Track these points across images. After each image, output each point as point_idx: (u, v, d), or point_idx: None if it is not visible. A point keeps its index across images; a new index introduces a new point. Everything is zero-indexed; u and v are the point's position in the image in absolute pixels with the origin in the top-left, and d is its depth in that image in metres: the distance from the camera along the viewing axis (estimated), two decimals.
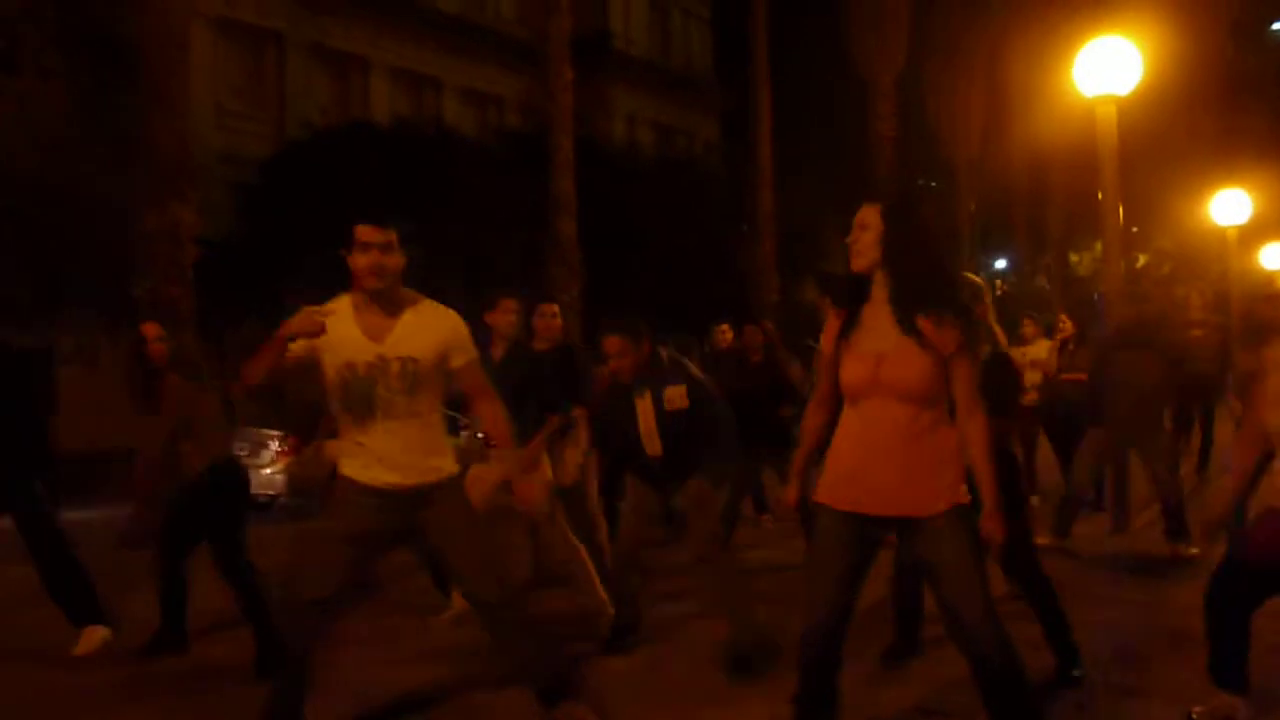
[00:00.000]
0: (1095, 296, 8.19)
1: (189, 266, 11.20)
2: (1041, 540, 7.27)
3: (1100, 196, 8.03)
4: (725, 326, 9.42)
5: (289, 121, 25.40)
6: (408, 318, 3.94)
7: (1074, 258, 36.22)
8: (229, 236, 18.78)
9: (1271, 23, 35.40)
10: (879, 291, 3.45)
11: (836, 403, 3.58)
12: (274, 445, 14.05)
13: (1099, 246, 7.93)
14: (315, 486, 5.64)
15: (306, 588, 3.83)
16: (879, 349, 3.39)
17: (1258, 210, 18.03)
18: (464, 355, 4.02)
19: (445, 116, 27.31)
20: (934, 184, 36.54)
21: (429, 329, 3.97)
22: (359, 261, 3.86)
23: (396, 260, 3.91)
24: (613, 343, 5.01)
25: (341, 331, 3.87)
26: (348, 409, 3.90)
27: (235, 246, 18.55)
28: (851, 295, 3.51)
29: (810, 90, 32.40)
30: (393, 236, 3.91)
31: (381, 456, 3.89)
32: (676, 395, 5.06)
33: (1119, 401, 7.29)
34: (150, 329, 5.35)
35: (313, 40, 27.27)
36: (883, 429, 3.36)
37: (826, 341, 3.58)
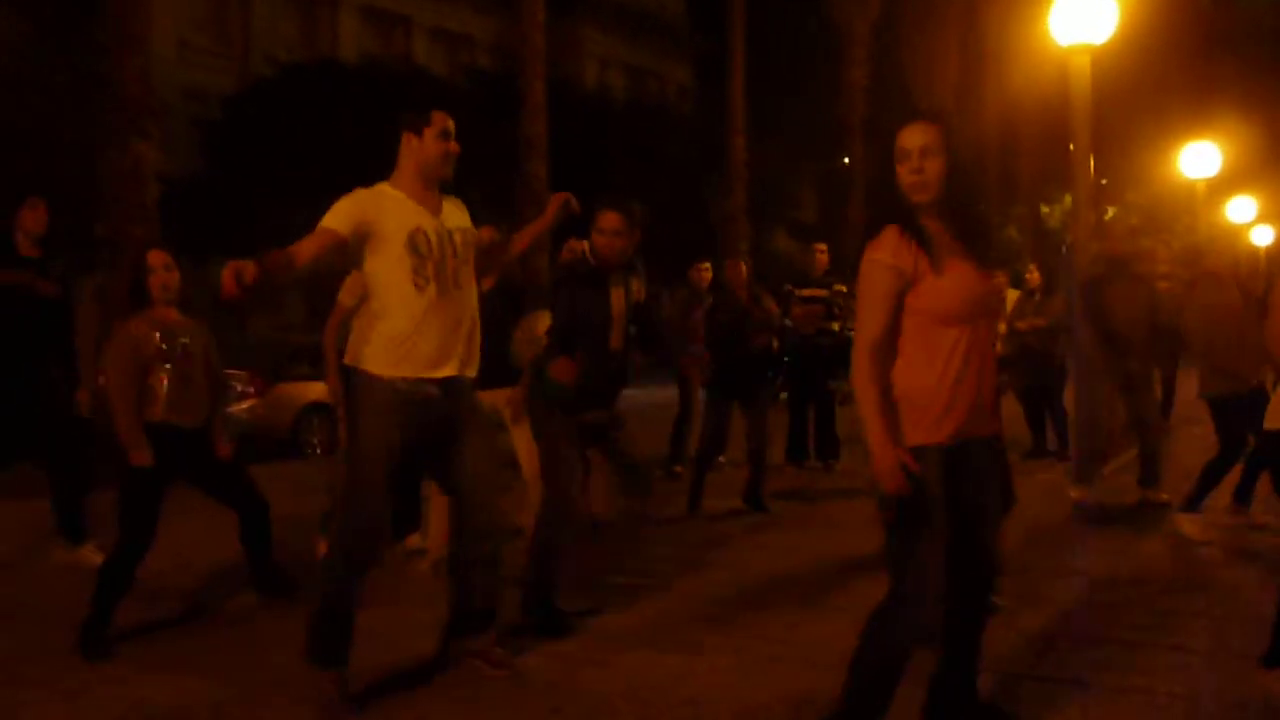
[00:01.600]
0: (1063, 248, 8.23)
1: (153, 205, 11.06)
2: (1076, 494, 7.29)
3: (1072, 148, 8.02)
4: (705, 264, 9.42)
5: (254, 58, 25.04)
6: (445, 202, 3.95)
7: (1044, 209, 36.36)
8: (193, 173, 18.54)
9: None
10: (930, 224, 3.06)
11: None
12: (238, 386, 13.96)
13: (1069, 199, 7.93)
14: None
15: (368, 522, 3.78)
16: (970, 270, 3.05)
17: (1227, 163, 18.11)
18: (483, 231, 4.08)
19: (415, 56, 26.99)
20: None
21: (461, 210, 4.02)
22: (441, 147, 3.81)
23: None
24: (611, 218, 4.81)
25: (398, 203, 3.80)
26: (423, 276, 3.75)
27: (199, 183, 18.31)
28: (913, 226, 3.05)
29: (784, 36, 32.16)
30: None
31: (440, 339, 3.79)
32: (639, 287, 5.03)
33: (1122, 332, 7.26)
34: (157, 256, 4.88)
35: None
36: (987, 350, 3.09)
37: (898, 259, 3.00)
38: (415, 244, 3.75)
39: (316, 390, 6.50)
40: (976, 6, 29.28)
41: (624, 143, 22.50)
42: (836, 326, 9.52)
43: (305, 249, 3.57)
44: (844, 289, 9.54)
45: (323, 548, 5.55)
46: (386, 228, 3.74)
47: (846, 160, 27.97)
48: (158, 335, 4.69)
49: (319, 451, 10.82)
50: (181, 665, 4.34)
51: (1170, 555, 6.07)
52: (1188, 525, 6.50)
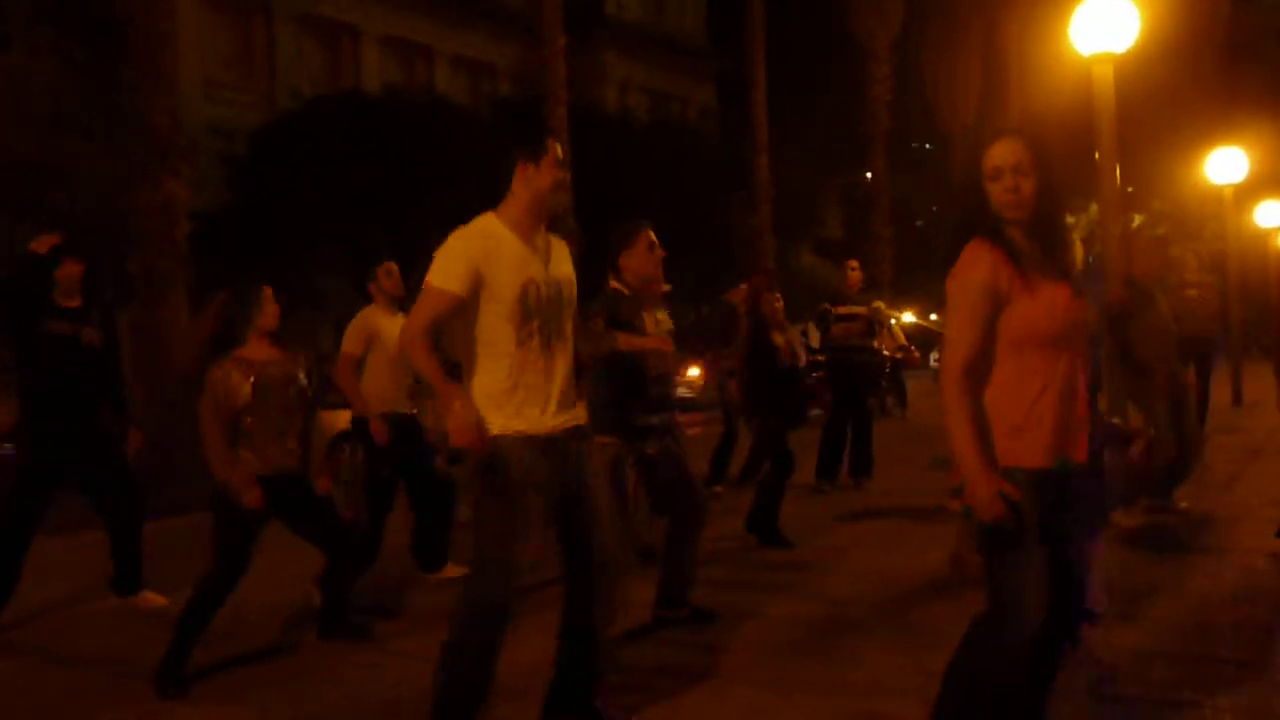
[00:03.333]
0: (1089, 259, 8.24)
1: (182, 240, 11.18)
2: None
3: (1096, 157, 7.99)
4: (744, 288, 9.46)
5: (279, 92, 25.29)
6: (552, 242, 3.69)
7: (1070, 219, 36.17)
8: (220, 208, 18.72)
9: None
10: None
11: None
12: None
13: (1094, 208, 7.90)
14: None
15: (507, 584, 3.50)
16: (1063, 289, 2.96)
17: (1254, 168, 17.95)
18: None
19: (437, 85, 27.19)
20: (928, 147, 36.42)
21: (565, 254, 3.74)
22: (554, 177, 3.55)
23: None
24: (649, 234, 4.96)
25: (512, 248, 3.52)
26: (530, 333, 3.50)
27: (226, 218, 18.49)
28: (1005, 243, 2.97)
29: (806, 54, 32.22)
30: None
31: (555, 393, 3.56)
32: (665, 317, 5.11)
33: (1167, 345, 7.16)
34: (270, 291, 4.81)
35: (302, 10, 27.11)
36: (1080, 371, 2.98)
37: (994, 277, 2.90)
38: (526, 298, 3.49)
39: (347, 419, 6.52)
40: (998, 19, 29.20)
41: (648, 165, 22.54)
42: (876, 343, 9.53)
43: (421, 334, 3.41)
44: (881, 305, 9.55)
45: (317, 598, 5.54)
46: (500, 278, 3.47)
47: (869, 175, 27.93)
48: (250, 380, 4.63)
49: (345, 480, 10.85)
50: (236, 707, 4.37)
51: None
52: None
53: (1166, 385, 7.12)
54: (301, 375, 4.90)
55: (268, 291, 4.80)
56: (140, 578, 5.95)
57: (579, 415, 3.70)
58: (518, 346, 3.50)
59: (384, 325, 6.21)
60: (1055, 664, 3.12)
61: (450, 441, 3.41)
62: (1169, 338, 7.32)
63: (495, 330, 3.50)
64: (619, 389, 4.91)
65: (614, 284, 5.02)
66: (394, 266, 6.36)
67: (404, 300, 6.33)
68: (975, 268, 2.94)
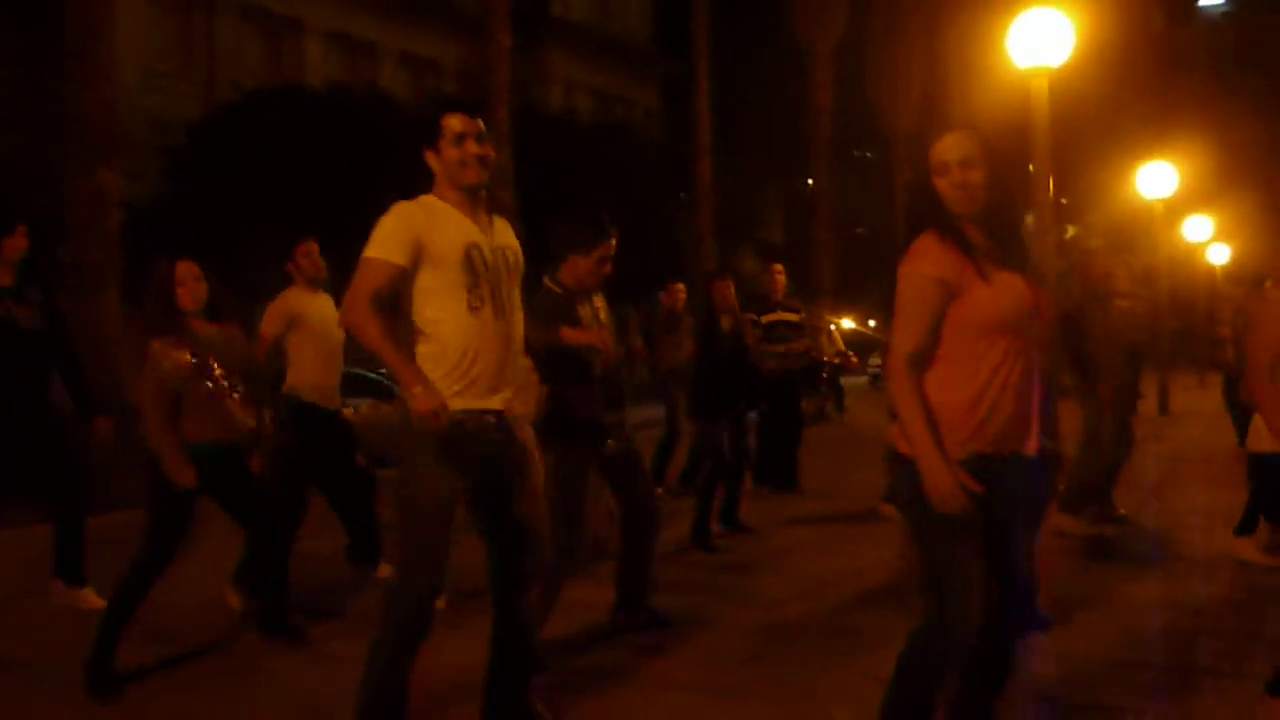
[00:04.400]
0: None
1: (115, 230, 11.01)
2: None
3: (1032, 168, 8.12)
4: (679, 285, 9.42)
5: (220, 85, 24.93)
6: (494, 218, 3.66)
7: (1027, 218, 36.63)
8: (156, 200, 18.43)
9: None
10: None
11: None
12: None
13: (1030, 218, 8.02)
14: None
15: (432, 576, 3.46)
16: (1018, 279, 2.96)
17: (1184, 183, 18.38)
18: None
19: (381, 82, 26.94)
20: (869, 154, 36.79)
21: (508, 230, 3.71)
22: (455, 153, 3.48)
23: (491, 150, 3.61)
24: (612, 247, 4.86)
25: (449, 215, 3.49)
26: (481, 299, 3.45)
27: (163, 210, 18.20)
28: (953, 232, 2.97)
29: (750, 59, 32.41)
30: (482, 125, 3.56)
31: (505, 365, 3.50)
32: (602, 305, 5.07)
33: (1098, 357, 7.21)
34: (186, 268, 4.68)
35: (244, 2, 26.74)
36: (1033, 362, 2.97)
37: (942, 269, 2.92)
38: (471, 261, 3.45)
39: None
40: (939, 29, 29.58)
41: (591, 165, 22.55)
42: (802, 347, 9.52)
43: (366, 306, 3.33)
44: (801, 311, 9.58)
45: (234, 600, 5.45)
46: (441, 244, 3.43)
47: (811, 181, 28.15)
48: (189, 354, 4.55)
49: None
50: (157, 707, 4.31)
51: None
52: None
53: (1112, 393, 7.21)
54: (238, 337, 4.84)
55: (182, 268, 4.69)
56: (83, 571, 5.75)
57: (522, 397, 3.66)
58: (469, 312, 3.43)
59: (305, 306, 6.06)
60: (1005, 668, 3.12)
61: (412, 423, 3.31)
62: (1119, 346, 7.42)
63: (443, 298, 3.43)
64: (566, 387, 4.82)
65: (547, 282, 4.93)
66: (313, 246, 6.18)
67: (323, 281, 6.24)
68: (923, 259, 2.95)
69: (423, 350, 3.45)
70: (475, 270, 3.45)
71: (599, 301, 5.03)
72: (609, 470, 5.05)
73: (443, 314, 3.43)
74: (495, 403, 3.48)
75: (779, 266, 9.63)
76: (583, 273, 4.87)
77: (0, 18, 15.88)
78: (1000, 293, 2.92)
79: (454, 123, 3.51)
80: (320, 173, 18.44)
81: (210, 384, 4.61)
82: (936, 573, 3.00)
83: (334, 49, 29.42)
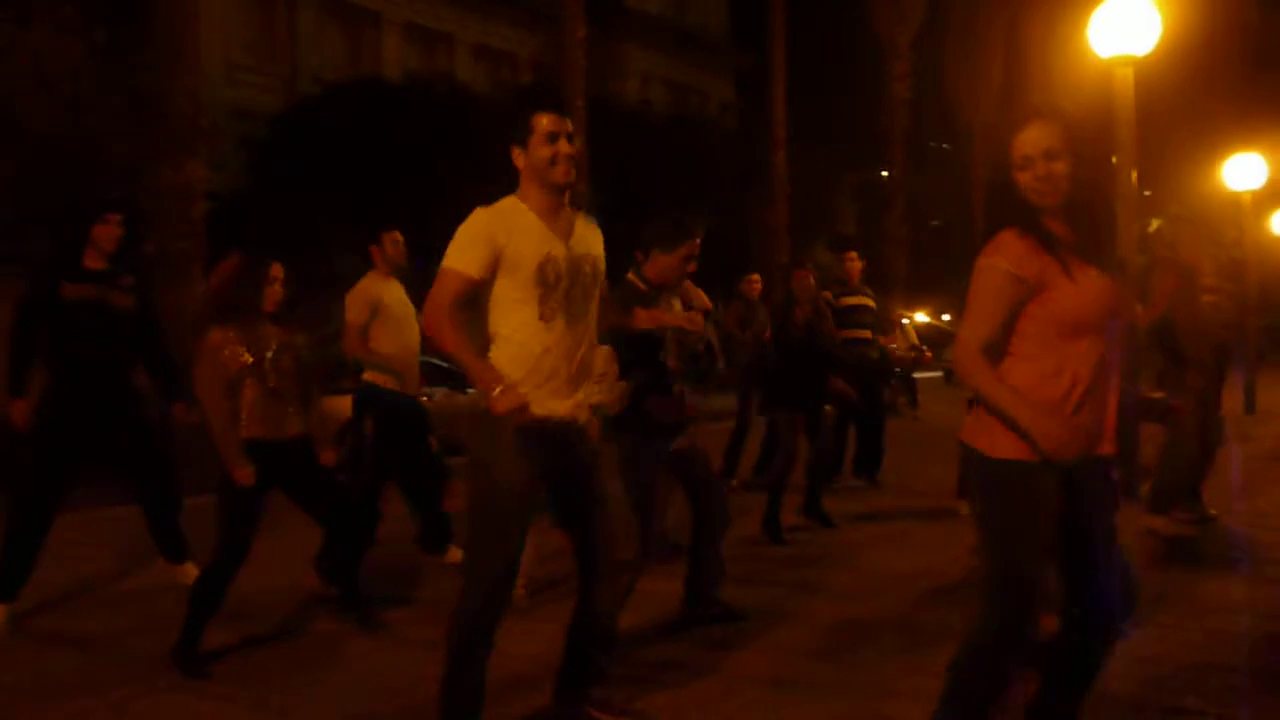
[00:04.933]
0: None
1: (200, 221, 11.24)
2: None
3: (1115, 160, 7.96)
4: (755, 276, 9.36)
5: (300, 77, 25.33)
6: (577, 220, 3.63)
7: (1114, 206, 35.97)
8: (238, 191, 18.78)
9: None
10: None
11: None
12: None
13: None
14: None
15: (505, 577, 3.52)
16: (1097, 275, 2.91)
17: (1273, 175, 17.86)
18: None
19: (458, 73, 27.18)
20: (945, 146, 36.31)
21: (595, 235, 3.69)
22: (546, 151, 3.48)
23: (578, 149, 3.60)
24: (695, 246, 4.82)
25: (528, 224, 3.48)
26: (553, 310, 3.47)
27: (244, 200, 18.55)
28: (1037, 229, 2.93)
29: (826, 51, 32.17)
30: (570, 125, 3.57)
31: (573, 375, 3.52)
32: (699, 295, 5.07)
33: (1205, 342, 7.02)
34: (279, 268, 4.77)
35: None
36: (1113, 362, 2.92)
37: (1020, 266, 2.88)
38: (544, 273, 3.45)
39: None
40: (1019, 18, 29.11)
41: (665, 158, 22.54)
42: (883, 339, 9.43)
43: (444, 315, 3.37)
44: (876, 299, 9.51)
45: (314, 584, 5.54)
46: (517, 253, 3.44)
47: (886, 174, 27.86)
48: (245, 351, 4.62)
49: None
50: (239, 689, 4.40)
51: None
52: None
53: (1200, 381, 7.02)
54: (301, 343, 4.88)
55: (276, 268, 4.77)
56: (184, 548, 5.89)
57: (591, 398, 3.66)
58: (539, 322, 3.46)
59: (385, 293, 6.19)
60: (1092, 671, 3.07)
61: (492, 420, 3.35)
62: (1208, 334, 7.21)
63: (517, 306, 3.46)
64: (641, 381, 4.81)
65: (631, 277, 4.96)
66: (400, 235, 6.36)
67: (404, 270, 6.35)
68: (1002, 254, 2.91)
69: (495, 356, 3.49)
70: (547, 283, 3.46)
71: (694, 293, 5.01)
72: (676, 464, 5.06)
73: (515, 322, 3.47)
74: (564, 410, 3.51)
75: (853, 253, 9.54)
76: (665, 269, 4.87)
77: (87, 10, 16.24)
78: (1084, 290, 2.88)
79: (545, 121, 3.49)
80: (398, 164, 18.65)
81: (262, 383, 4.65)
82: (1001, 571, 2.95)
83: (412, 41, 29.73)
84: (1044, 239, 2.91)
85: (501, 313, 3.49)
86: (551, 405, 3.48)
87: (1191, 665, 4.35)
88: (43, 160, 14.81)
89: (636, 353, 4.67)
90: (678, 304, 5.05)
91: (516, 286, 3.45)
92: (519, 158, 3.54)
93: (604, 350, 4.16)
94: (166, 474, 5.87)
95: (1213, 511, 7.27)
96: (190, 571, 5.71)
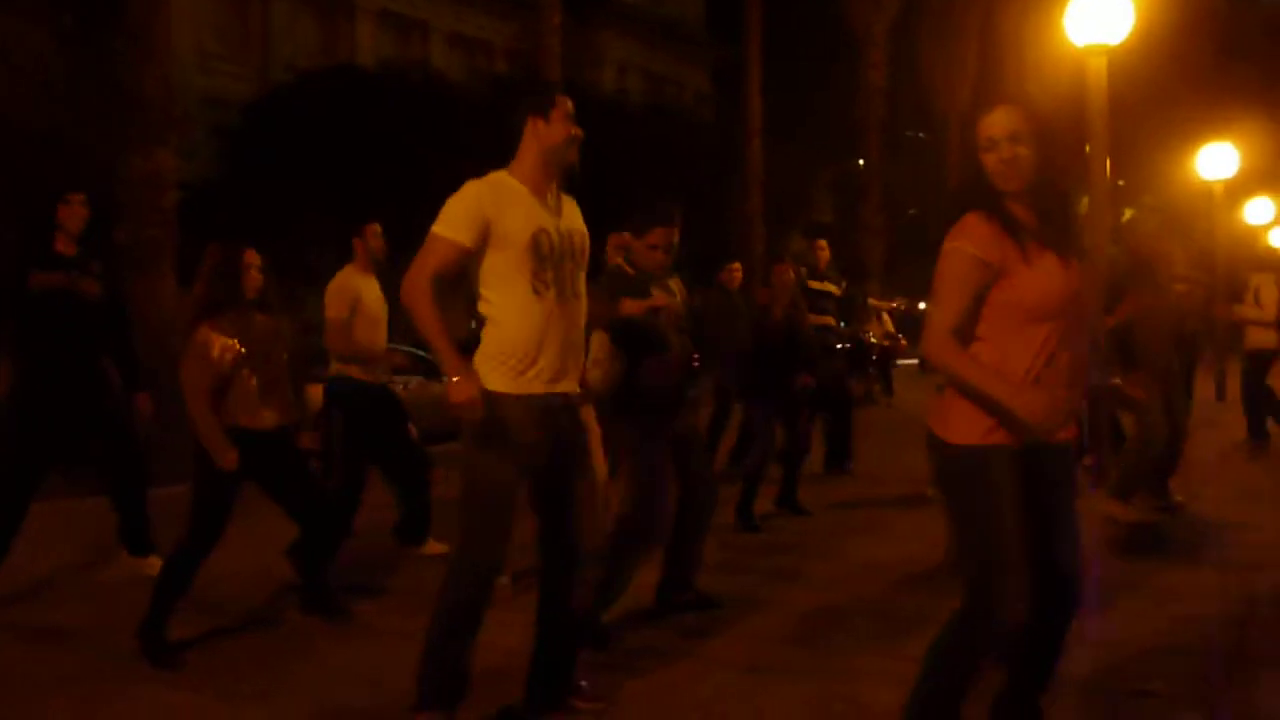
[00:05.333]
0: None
1: (171, 210, 11.13)
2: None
3: (1088, 149, 8.00)
4: (735, 265, 9.41)
5: (272, 65, 25.15)
6: (563, 198, 3.63)
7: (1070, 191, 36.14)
8: (210, 179, 18.65)
9: None
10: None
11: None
12: None
13: (1086, 201, 7.93)
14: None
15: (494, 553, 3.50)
16: (1057, 261, 2.92)
17: (1244, 165, 18.01)
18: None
19: (433, 61, 27.04)
20: (921, 135, 36.40)
21: (577, 212, 3.69)
22: (566, 132, 3.49)
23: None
24: (663, 234, 4.73)
25: (520, 197, 3.47)
26: (546, 284, 3.44)
27: (217, 189, 18.41)
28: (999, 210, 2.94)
29: (801, 40, 32.13)
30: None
31: (565, 351, 3.49)
32: (679, 288, 5.03)
33: (1165, 333, 7.04)
34: (253, 255, 4.72)
35: None
36: (1074, 349, 2.94)
37: (986, 250, 2.89)
38: (539, 246, 3.43)
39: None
40: (994, 7, 29.17)
41: (641, 147, 22.49)
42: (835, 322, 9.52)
43: (425, 284, 3.33)
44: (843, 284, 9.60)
45: (285, 571, 5.48)
46: (509, 226, 3.41)
47: (862, 163, 27.90)
48: (234, 344, 4.59)
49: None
50: (211, 679, 4.38)
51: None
52: None
53: (1162, 372, 7.05)
54: (287, 330, 4.89)
55: (250, 254, 4.74)
56: (149, 540, 5.86)
57: (579, 379, 3.65)
58: (533, 296, 3.42)
59: (363, 287, 6.20)
60: (1052, 658, 3.12)
61: (449, 407, 3.33)
62: (1168, 325, 7.24)
63: (508, 282, 3.43)
64: (640, 359, 4.70)
65: (620, 262, 4.92)
66: (379, 228, 6.34)
67: (383, 264, 6.34)
68: (967, 237, 2.92)
69: (488, 333, 3.47)
70: (541, 255, 3.43)
71: (674, 283, 4.99)
72: (674, 450, 5.03)
73: (507, 298, 3.43)
74: (559, 387, 3.50)
75: (823, 242, 9.70)
76: (638, 257, 4.85)
77: None
78: (1042, 276, 2.89)
79: (568, 103, 3.53)
80: (372, 153, 18.56)
81: (255, 373, 4.64)
82: (977, 556, 2.96)
83: (386, 29, 29.56)
84: (1007, 223, 2.92)
85: (493, 289, 3.45)
86: (546, 384, 3.45)
87: (1157, 649, 4.39)
88: (12, 149, 14.67)
89: (636, 342, 4.65)
90: (674, 283, 5.01)
91: (508, 261, 3.41)
92: (533, 130, 3.51)
93: (599, 336, 4.15)
94: (136, 464, 5.83)
95: (1178, 498, 7.32)
96: (155, 564, 5.68)
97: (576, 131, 3.54)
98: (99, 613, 5.27)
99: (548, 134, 3.50)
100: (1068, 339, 2.94)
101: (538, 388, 3.44)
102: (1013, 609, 2.87)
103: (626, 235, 4.97)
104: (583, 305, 3.62)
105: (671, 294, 4.91)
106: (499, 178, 3.51)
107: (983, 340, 2.95)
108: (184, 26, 20.77)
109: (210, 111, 20.97)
